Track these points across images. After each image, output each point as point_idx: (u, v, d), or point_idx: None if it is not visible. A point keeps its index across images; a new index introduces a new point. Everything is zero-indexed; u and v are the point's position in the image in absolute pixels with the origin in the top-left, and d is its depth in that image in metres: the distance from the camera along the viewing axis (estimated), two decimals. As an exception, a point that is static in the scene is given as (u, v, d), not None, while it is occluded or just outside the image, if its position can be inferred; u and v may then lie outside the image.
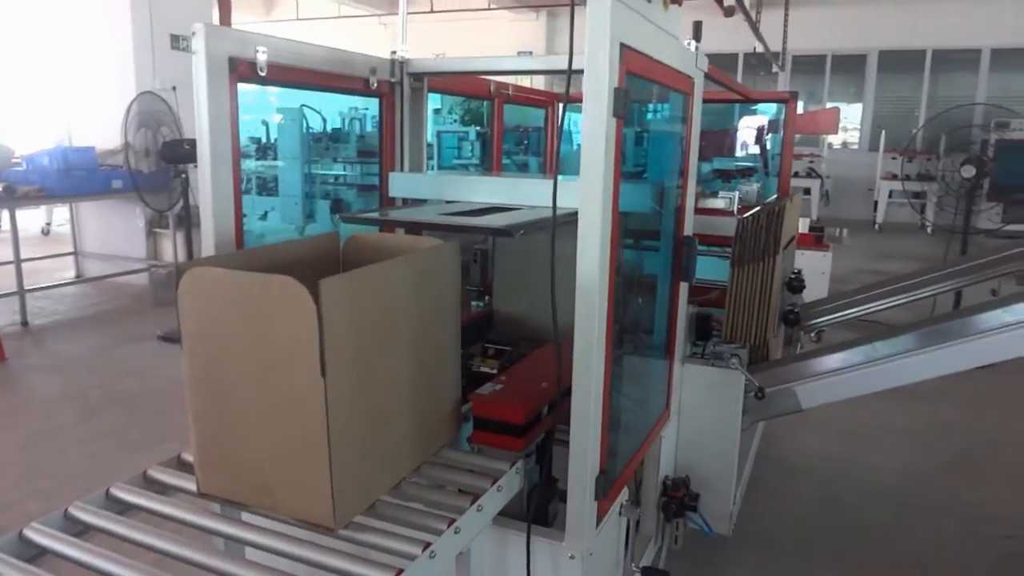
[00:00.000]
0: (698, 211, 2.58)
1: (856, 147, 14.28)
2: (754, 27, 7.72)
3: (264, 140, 9.85)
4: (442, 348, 1.78)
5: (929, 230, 11.64)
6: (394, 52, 2.69)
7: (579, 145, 1.59)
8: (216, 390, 1.46)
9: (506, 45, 14.06)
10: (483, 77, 3.40)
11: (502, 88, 3.53)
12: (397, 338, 1.57)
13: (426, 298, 1.67)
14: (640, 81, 1.79)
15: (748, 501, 3.07)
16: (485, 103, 4.72)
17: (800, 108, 5.90)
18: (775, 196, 3.84)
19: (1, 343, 5.20)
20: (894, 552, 2.98)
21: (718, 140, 5.91)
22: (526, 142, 5.18)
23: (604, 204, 1.58)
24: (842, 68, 14.16)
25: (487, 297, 2.92)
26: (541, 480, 1.86)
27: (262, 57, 2.06)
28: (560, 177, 1.62)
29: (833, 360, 2.58)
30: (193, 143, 1.99)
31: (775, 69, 10.47)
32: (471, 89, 3.31)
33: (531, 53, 13.03)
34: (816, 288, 5.23)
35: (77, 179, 6.33)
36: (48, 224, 10.54)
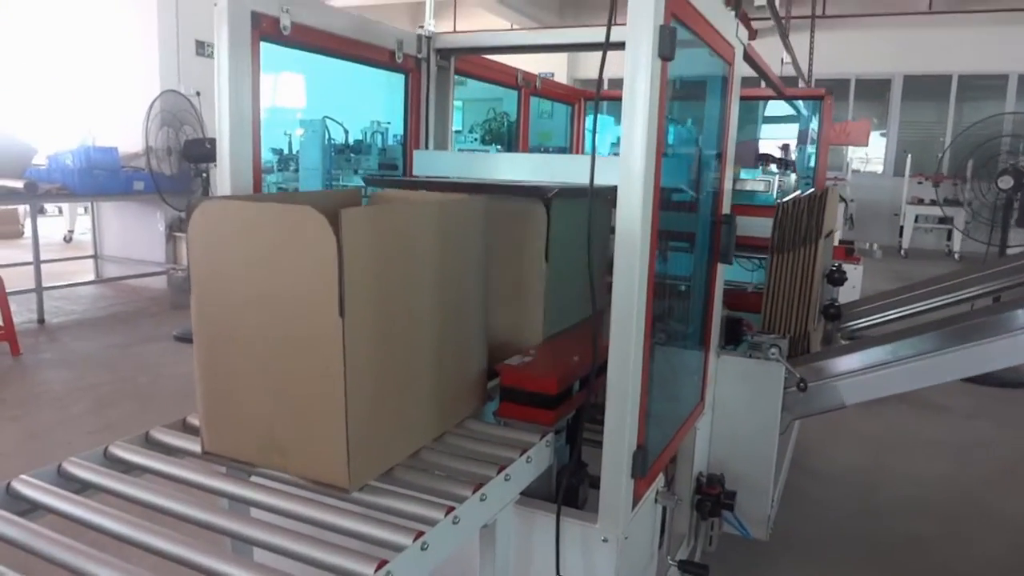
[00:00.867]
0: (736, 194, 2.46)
1: (880, 171, 14.09)
2: (787, 44, 7.63)
3: (286, 151, 9.89)
4: (467, 307, 1.66)
5: (957, 256, 11.40)
6: (421, 27, 2.61)
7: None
8: (226, 338, 1.35)
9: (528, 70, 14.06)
10: (511, 66, 3.32)
11: (529, 78, 3.44)
12: (421, 288, 1.46)
13: (451, 251, 1.56)
14: (684, 33, 1.68)
15: (784, 508, 2.90)
16: (507, 123, 4.64)
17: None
18: (811, 190, 3.71)
19: (16, 338, 5.15)
20: (936, 564, 2.79)
21: (740, 151, 5.77)
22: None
23: (648, 154, 1.46)
24: (866, 93, 14.01)
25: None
26: (571, 461, 1.73)
27: (286, 15, 1.99)
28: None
29: (878, 353, 2.42)
30: (215, 142, 1.91)
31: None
32: (498, 76, 3.22)
33: (552, 75, 13.03)
34: (847, 299, 5.06)
35: (99, 179, 6.32)
36: (70, 231, 10.58)
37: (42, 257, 6.13)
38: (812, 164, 4.62)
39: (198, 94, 6.78)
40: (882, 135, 13.78)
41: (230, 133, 1.87)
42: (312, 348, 1.25)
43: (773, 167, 3.60)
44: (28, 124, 8.26)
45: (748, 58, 2.51)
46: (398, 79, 2.65)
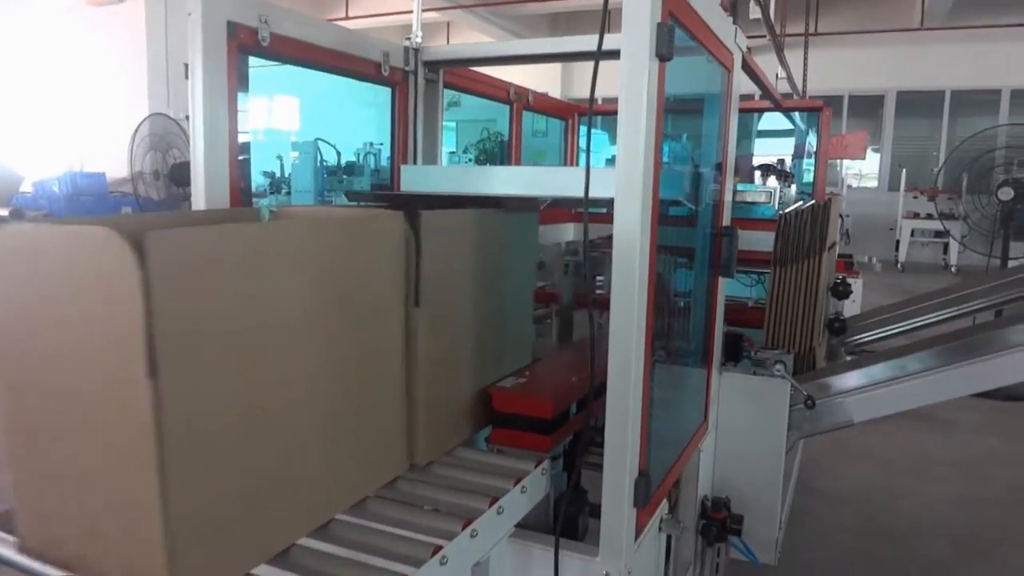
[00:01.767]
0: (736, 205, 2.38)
1: (875, 186, 14.07)
2: (781, 59, 7.60)
3: (278, 174, 9.80)
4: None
5: (954, 270, 11.34)
6: (408, 38, 2.54)
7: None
8: (32, 407, 1.02)
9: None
10: (502, 80, 3.24)
11: (521, 92, 3.37)
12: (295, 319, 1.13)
13: (353, 275, 1.24)
14: (680, 35, 1.60)
15: (791, 530, 2.79)
16: (501, 142, 4.56)
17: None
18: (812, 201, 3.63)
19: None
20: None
21: (736, 164, 5.71)
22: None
23: (646, 161, 1.37)
24: (859, 109, 14.03)
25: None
26: (569, 489, 1.62)
27: (265, 26, 1.91)
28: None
29: (887, 369, 2.33)
30: None
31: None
32: (489, 91, 3.14)
33: (547, 93, 13.04)
34: (848, 314, 4.97)
35: (85, 204, 6.23)
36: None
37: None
38: (807, 179, 4.55)
39: (187, 117, 6.71)
40: (875, 150, 13.79)
41: (204, 149, 1.79)
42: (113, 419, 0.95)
43: (772, 179, 3.52)
44: (15, 151, 8.18)
45: (746, 66, 2.44)
46: (388, 98, 2.57)
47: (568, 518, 1.56)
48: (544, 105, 3.70)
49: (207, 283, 0.97)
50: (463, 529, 1.22)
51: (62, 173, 6.38)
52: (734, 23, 2.09)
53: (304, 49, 2.08)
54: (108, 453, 0.96)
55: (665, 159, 1.77)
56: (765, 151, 5.80)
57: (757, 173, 4.49)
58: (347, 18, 11.64)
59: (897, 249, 12.11)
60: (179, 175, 5.90)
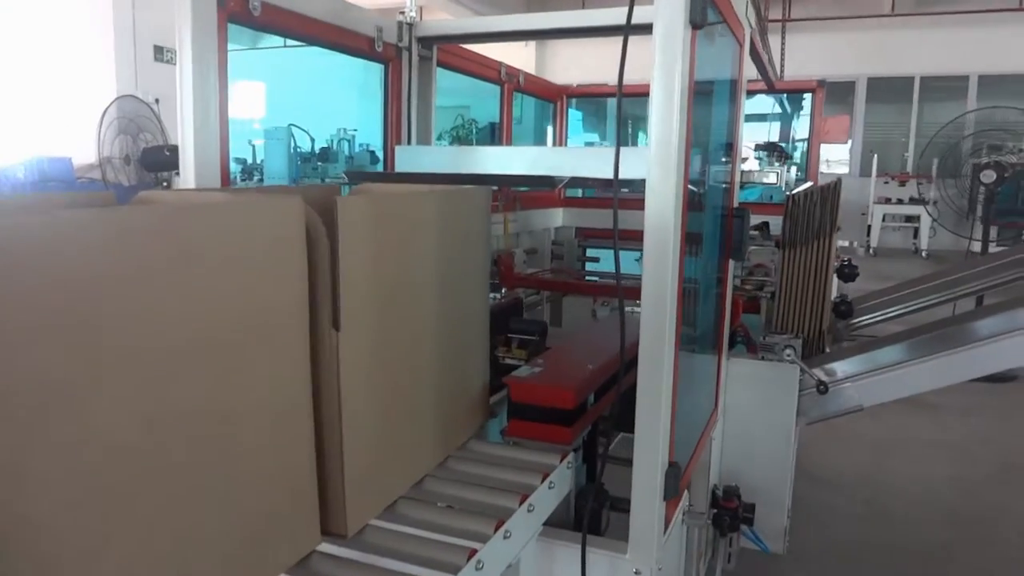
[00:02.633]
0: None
1: (847, 171, 14.19)
2: (765, 42, 7.56)
3: (250, 161, 9.53)
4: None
5: (924, 254, 11.50)
6: (402, 13, 2.43)
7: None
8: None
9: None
10: (493, 60, 3.14)
11: (512, 72, 3.27)
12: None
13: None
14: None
15: (793, 517, 2.75)
16: (475, 130, 4.47)
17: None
18: (808, 183, 3.59)
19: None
20: (959, 569, 2.67)
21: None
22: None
23: (680, 138, 1.29)
24: (831, 95, 14.07)
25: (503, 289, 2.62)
26: (597, 482, 1.55)
27: (257, -6, 1.79)
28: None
29: (894, 352, 2.29)
30: (175, 149, 1.70)
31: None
32: (480, 70, 3.04)
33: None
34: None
35: (52, 191, 5.99)
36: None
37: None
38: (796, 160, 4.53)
39: (157, 102, 6.48)
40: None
41: (194, 123, 1.68)
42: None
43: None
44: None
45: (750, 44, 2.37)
46: (366, 82, 2.46)
47: (593, 512, 1.48)
48: (534, 86, 3.60)
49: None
50: (495, 531, 1.13)
51: (27, 159, 6.13)
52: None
53: (296, 20, 1.97)
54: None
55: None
56: (751, 135, 5.77)
57: (753, 154, 4.44)
58: None
59: (869, 234, 12.24)
60: (150, 160, 5.69)
